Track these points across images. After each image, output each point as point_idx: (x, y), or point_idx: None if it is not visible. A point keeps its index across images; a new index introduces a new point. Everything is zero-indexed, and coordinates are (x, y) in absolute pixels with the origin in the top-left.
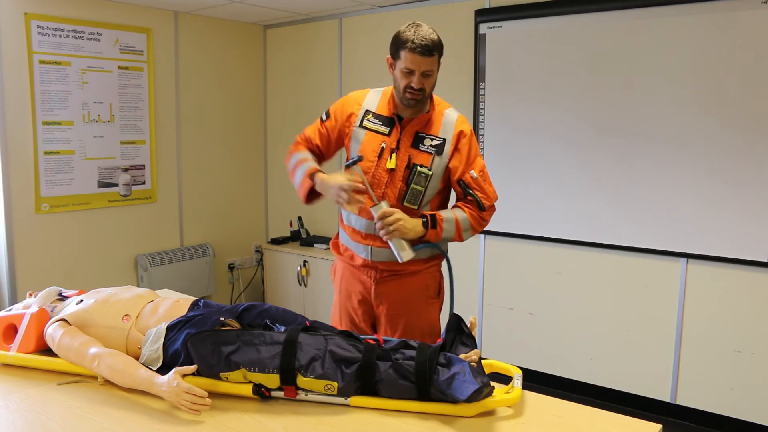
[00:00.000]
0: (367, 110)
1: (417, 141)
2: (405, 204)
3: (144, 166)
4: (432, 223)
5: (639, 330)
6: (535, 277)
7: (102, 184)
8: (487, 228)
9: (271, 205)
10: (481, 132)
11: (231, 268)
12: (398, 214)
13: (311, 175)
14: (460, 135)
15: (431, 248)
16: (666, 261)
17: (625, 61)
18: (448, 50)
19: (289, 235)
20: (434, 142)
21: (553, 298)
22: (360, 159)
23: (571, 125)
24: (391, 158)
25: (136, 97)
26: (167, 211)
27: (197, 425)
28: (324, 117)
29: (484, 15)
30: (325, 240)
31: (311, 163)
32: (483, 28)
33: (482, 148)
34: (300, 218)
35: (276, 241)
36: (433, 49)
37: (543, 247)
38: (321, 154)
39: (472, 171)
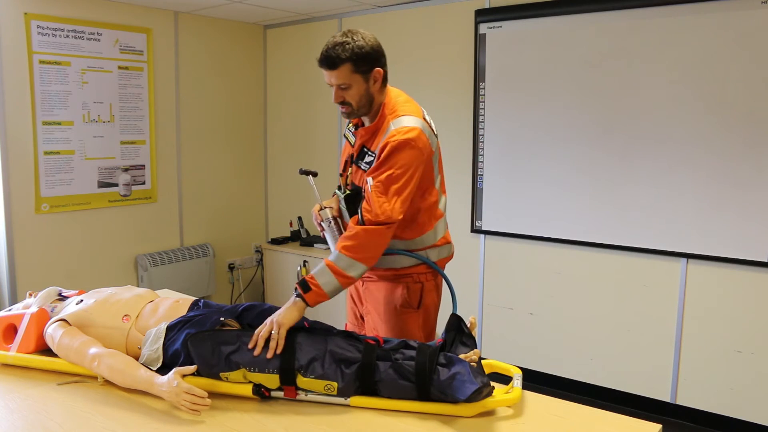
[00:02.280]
0: None
1: (359, 156)
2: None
3: (144, 166)
4: (303, 288)
5: (639, 330)
6: (535, 277)
7: (102, 184)
8: (487, 228)
9: (271, 205)
10: (480, 132)
11: (231, 268)
12: (266, 328)
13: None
14: (384, 146)
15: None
16: (666, 261)
17: (625, 61)
18: (448, 50)
19: (289, 235)
20: (369, 159)
21: (553, 298)
22: (305, 172)
23: (571, 125)
24: (349, 172)
25: (136, 97)
26: (167, 211)
27: (197, 425)
28: None
29: (484, 15)
30: (325, 240)
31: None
32: (483, 28)
33: (482, 148)
34: (300, 218)
35: (276, 241)
36: (334, 63)
37: (543, 247)
38: None
39: (369, 178)
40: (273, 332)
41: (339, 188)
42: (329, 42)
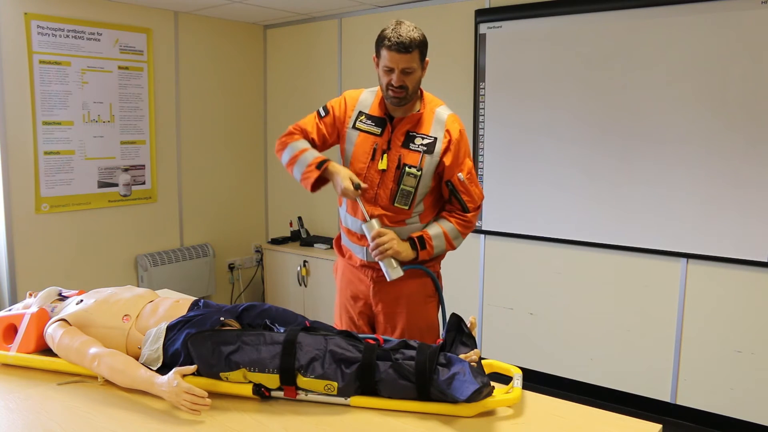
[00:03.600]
0: (360, 111)
1: (408, 140)
2: (396, 204)
3: (144, 166)
4: (421, 244)
5: (639, 330)
6: (535, 277)
7: (102, 184)
8: (487, 228)
9: (271, 205)
10: (481, 132)
11: (231, 268)
12: (390, 235)
13: (319, 164)
14: (449, 135)
15: (420, 269)
16: (666, 261)
17: (625, 61)
18: (448, 50)
19: (289, 235)
20: (425, 141)
21: (553, 298)
22: (358, 186)
23: (571, 125)
24: (382, 159)
25: (136, 97)
26: (167, 211)
27: (197, 425)
28: (322, 113)
29: (484, 15)
30: (325, 240)
31: (315, 152)
32: (483, 28)
33: (482, 148)
34: (300, 218)
35: (276, 241)
36: (410, 47)
37: (543, 247)
38: (315, 148)
39: (459, 173)
40: (382, 245)
41: (407, 167)
42: (395, 29)
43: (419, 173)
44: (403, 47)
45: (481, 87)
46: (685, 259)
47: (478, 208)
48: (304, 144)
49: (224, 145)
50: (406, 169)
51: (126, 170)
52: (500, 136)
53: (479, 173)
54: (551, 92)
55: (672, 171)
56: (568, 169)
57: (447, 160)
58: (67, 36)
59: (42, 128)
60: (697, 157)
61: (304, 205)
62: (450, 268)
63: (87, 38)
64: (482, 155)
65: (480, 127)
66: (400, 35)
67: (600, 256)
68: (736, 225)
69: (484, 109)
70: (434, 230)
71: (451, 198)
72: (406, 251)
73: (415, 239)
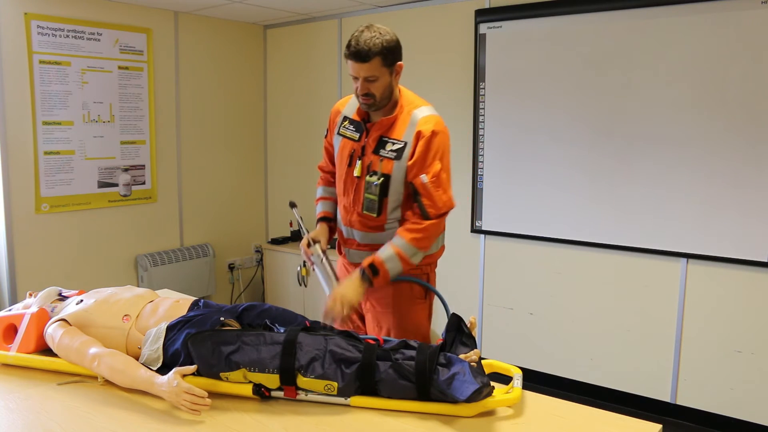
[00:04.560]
0: (345, 117)
1: (379, 146)
2: (364, 212)
3: (144, 166)
4: (373, 272)
5: (639, 330)
6: (535, 277)
7: (102, 184)
8: (487, 228)
9: (271, 205)
10: (481, 132)
11: (231, 268)
12: (336, 297)
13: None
14: (418, 136)
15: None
16: (666, 261)
17: (625, 61)
18: (448, 50)
19: (289, 235)
20: (395, 147)
21: (553, 298)
22: (293, 205)
23: (571, 125)
24: (357, 165)
25: (136, 97)
26: (167, 211)
27: (197, 425)
28: (325, 133)
29: (484, 15)
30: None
31: (318, 208)
32: (483, 28)
33: (482, 148)
34: (300, 218)
35: (276, 241)
36: (367, 56)
37: (543, 247)
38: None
39: (423, 175)
40: (335, 313)
41: (370, 174)
42: (356, 36)
43: (379, 181)
44: (359, 56)
45: (481, 87)
46: (685, 259)
47: (441, 216)
48: (318, 192)
49: (224, 145)
50: (366, 178)
51: (126, 170)
52: (500, 136)
53: (479, 173)
54: (551, 92)
55: (672, 171)
56: (568, 169)
57: (411, 161)
58: (67, 36)
59: (42, 128)
60: (697, 157)
61: (304, 204)
62: (450, 268)
63: (87, 38)
64: (482, 155)
65: (480, 127)
66: (358, 43)
67: (600, 256)
68: (736, 225)
69: (484, 109)
70: (386, 253)
71: (413, 203)
72: (357, 290)
73: (367, 268)
